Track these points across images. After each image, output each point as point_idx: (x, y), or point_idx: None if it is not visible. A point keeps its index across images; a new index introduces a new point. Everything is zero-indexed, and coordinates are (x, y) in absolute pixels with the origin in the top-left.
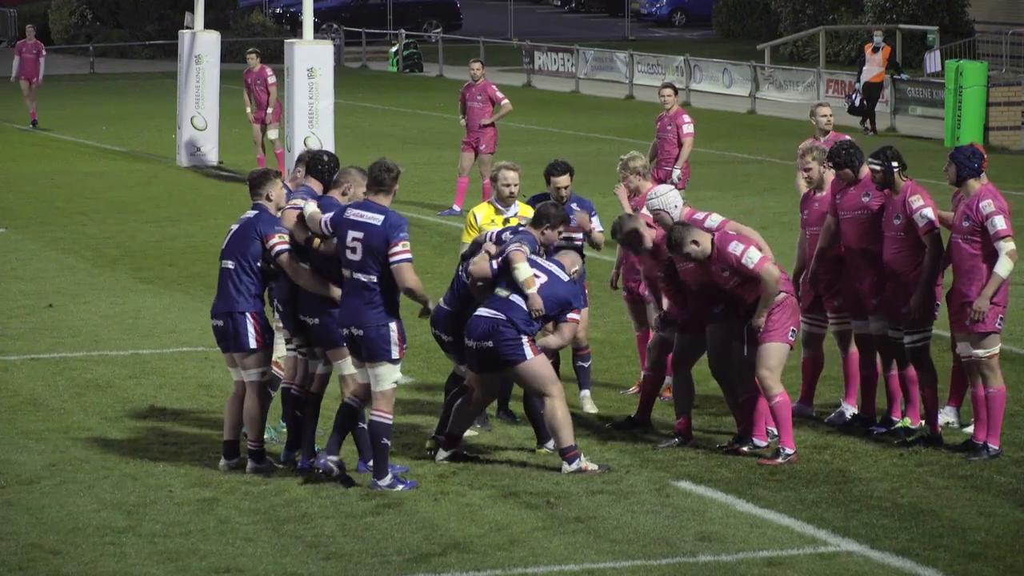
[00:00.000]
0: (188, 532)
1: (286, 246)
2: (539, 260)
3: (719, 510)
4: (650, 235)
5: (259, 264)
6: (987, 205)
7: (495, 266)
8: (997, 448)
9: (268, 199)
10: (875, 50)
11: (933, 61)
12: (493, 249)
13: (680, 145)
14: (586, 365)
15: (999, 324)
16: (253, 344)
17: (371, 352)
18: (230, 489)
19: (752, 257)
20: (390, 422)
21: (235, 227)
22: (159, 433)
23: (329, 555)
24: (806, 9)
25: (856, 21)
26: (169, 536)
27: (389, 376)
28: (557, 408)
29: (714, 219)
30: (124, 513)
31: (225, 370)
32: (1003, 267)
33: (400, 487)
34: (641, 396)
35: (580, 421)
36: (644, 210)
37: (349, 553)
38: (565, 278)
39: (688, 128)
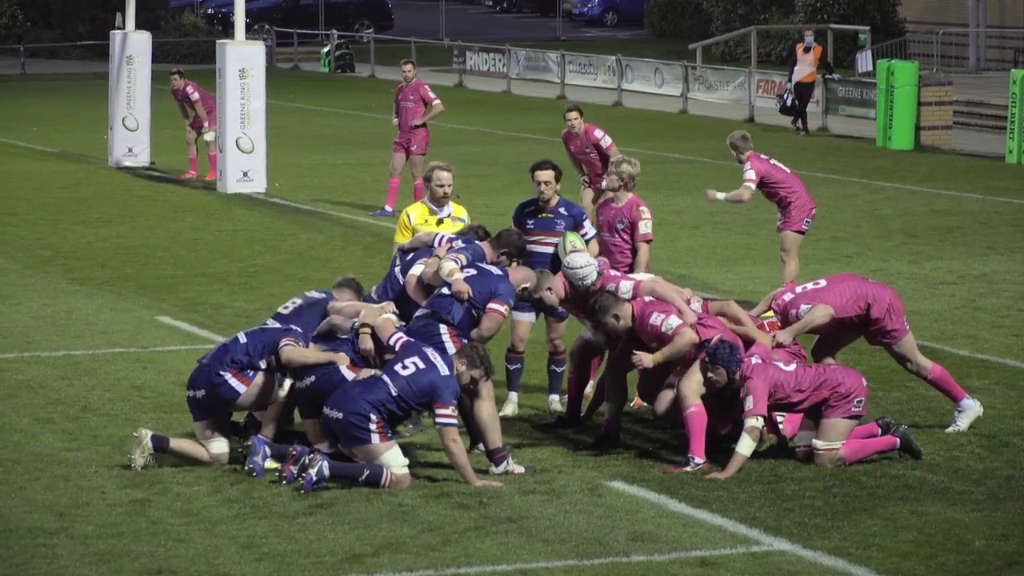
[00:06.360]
0: (120, 533)
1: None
2: (480, 264)
3: (651, 510)
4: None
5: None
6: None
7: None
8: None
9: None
10: (806, 50)
11: (864, 61)
12: (443, 254)
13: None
14: (559, 370)
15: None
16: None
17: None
18: (162, 490)
19: (671, 325)
20: None
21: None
22: (91, 434)
23: (262, 556)
24: (738, 9)
25: (787, 21)
26: (101, 537)
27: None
28: (483, 409)
29: (625, 286)
30: (56, 515)
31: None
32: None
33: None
34: (569, 397)
35: (511, 422)
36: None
37: (282, 554)
38: (497, 273)
39: (607, 141)
